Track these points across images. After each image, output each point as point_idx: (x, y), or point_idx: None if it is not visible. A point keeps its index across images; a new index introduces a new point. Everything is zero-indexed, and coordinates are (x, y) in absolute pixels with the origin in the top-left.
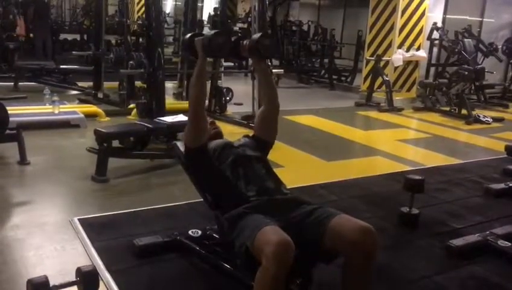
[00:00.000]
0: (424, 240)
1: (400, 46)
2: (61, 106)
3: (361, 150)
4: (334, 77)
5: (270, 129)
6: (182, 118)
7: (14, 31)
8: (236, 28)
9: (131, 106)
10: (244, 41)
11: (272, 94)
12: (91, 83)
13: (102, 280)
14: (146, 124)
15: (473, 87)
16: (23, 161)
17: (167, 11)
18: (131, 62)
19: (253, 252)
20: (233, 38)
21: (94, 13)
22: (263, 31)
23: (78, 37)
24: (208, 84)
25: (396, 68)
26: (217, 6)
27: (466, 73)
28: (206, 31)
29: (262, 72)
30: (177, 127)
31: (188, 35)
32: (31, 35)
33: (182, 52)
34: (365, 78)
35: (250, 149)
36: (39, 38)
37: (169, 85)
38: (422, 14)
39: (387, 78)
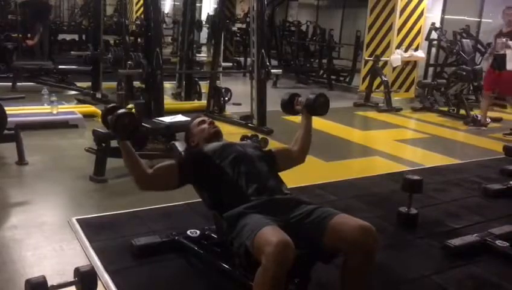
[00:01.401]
0: (422, 239)
1: (398, 47)
2: (59, 106)
3: (360, 150)
4: (333, 77)
5: (286, 165)
6: (180, 118)
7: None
8: (234, 28)
9: (130, 106)
10: (300, 98)
11: (306, 148)
12: (89, 83)
13: (100, 280)
14: (145, 124)
15: (471, 88)
16: (21, 161)
17: (166, 11)
18: (129, 62)
19: (253, 252)
20: (288, 96)
21: (92, 13)
22: (320, 93)
23: (76, 37)
24: (207, 84)
25: (394, 68)
26: (215, 6)
27: (464, 73)
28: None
29: (308, 127)
30: (176, 127)
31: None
32: (29, 35)
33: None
34: (364, 79)
35: (252, 149)
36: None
37: (168, 85)
38: (421, 14)
39: (385, 79)
